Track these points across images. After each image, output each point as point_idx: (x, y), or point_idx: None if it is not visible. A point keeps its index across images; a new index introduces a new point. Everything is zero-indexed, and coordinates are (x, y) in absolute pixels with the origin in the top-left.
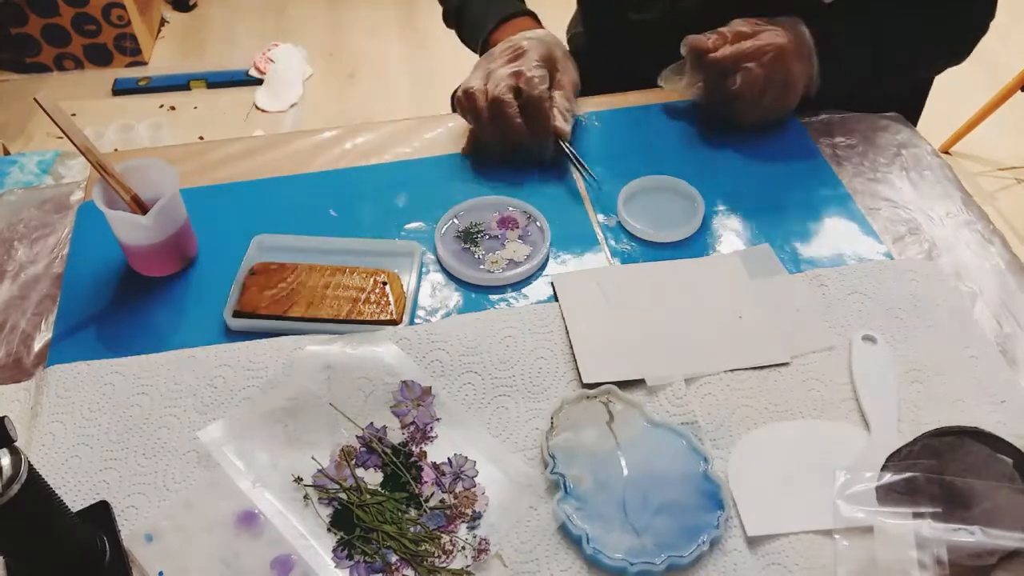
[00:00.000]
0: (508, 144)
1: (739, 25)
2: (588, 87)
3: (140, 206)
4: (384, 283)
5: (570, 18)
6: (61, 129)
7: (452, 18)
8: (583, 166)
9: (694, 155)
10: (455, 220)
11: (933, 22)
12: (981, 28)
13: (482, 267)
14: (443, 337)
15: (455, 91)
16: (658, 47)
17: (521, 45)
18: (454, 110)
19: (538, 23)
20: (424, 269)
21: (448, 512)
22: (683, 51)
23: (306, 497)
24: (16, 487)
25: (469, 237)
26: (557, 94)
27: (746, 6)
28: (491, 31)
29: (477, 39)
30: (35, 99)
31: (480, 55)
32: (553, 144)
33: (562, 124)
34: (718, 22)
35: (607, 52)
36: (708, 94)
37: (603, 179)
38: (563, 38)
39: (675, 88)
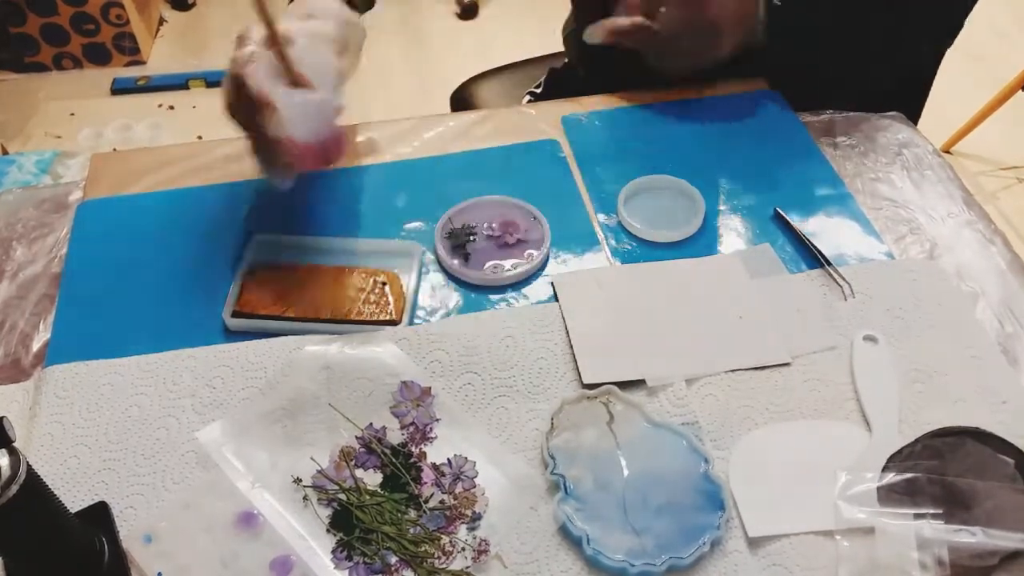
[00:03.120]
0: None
1: None
2: (587, 87)
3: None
4: (384, 283)
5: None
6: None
7: None
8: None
9: (694, 155)
10: (455, 220)
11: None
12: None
13: (482, 267)
14: (443, 337)
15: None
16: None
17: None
18: (454, 109)
19: None
20: (424, 269)
21: (448, 513)
22: None
23: (305, 498)
24: (15, 487)
25: (469, 237)
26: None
27: None
28: None
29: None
30: None
31: None
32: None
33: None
34: None
35: (600, 51)
36: (625, 37)
37: (603, 179)
38: (559, 37)
39: (595, 37)
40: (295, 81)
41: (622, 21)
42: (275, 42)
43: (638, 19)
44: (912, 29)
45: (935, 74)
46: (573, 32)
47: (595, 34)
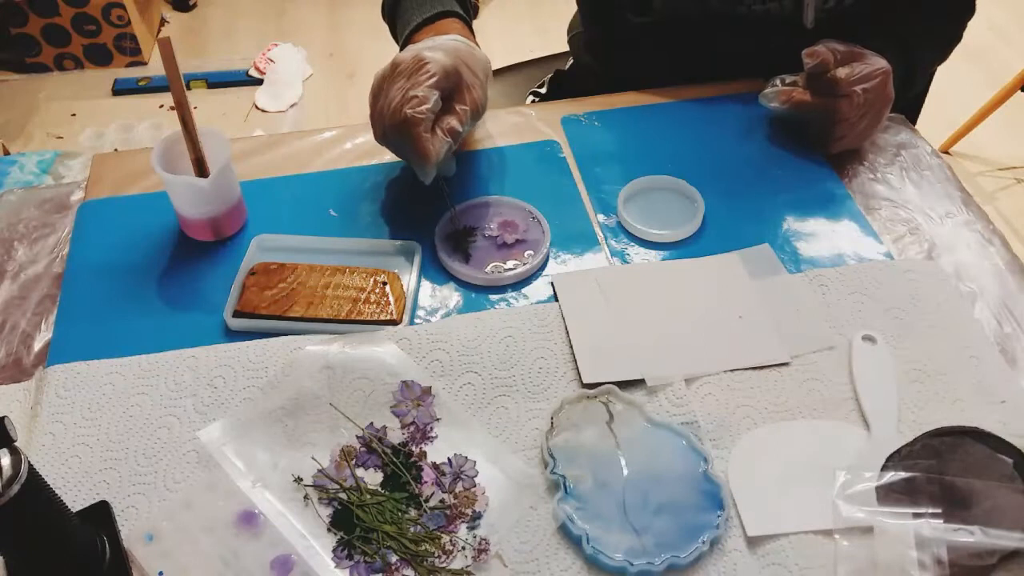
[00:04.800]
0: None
1: (837, 43)
2: (588, 87)
3: (202, 168)
4: (384, 283)
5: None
6: (169, 76)
7: (387, 12)
8: (448, 197)
9: (694, 155)
10: (455, 220)
11: (934, 19)
12: (969, 9)
13: (482, 267)
14: (443, 337)
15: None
16: (656, 51)
17: (423, 57)
18: None
19: (465, 26)
20: (424, 269)
21: (448, 512)
22: (806, 62)
23: (306, 497)
24: (16, 487)
25: (469, 237)
26: (447, 118)
27: (738, 18)
28: (413, 32)
29: (400, 35)
30: (157, 40)
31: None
32: (434, 170)
33: (432, 149)
34: (714, 30)
35: (606, 53)
36: (806, 108)
37: (603, 179)
38: (564, 38)
39: (772, 101)
40: (198, 159)
41: (801, 95)
42: (187, 123)
43: (812, 99)
44: (914, 36)
45: (933, 75)
46: (580, 34)
47: (772, 98)
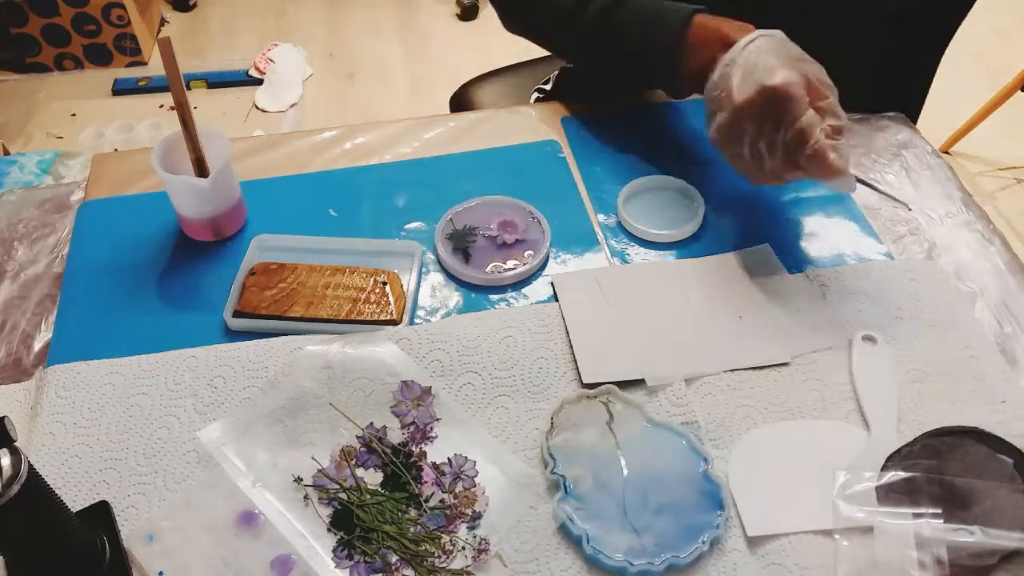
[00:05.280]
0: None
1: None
2: (591, 86)
3: (202, 168)
4: (384, 283)
5: None
6: (169, 76)
7: (595, 19)
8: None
9: (694, 155)
10: (455, 220)
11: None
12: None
13: (482, 267)
14: (443, 337)
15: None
16: None
17: (805, 72)
18: (452, 110)
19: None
20: (424, 269)
21: (448, 512)
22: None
23: (306, 497)
24: (16, 487)
25: (469, 237)
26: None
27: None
28: (684, 28)
29: (657, 39)
30: (157, 40)
31: (666, 57)
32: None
33: (844, 168)
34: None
35: None
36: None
37: (603, 179)
38: None
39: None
40: (198, 159)
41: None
42: (187, 123)
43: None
44: (908, 30)
45: (934, 74)
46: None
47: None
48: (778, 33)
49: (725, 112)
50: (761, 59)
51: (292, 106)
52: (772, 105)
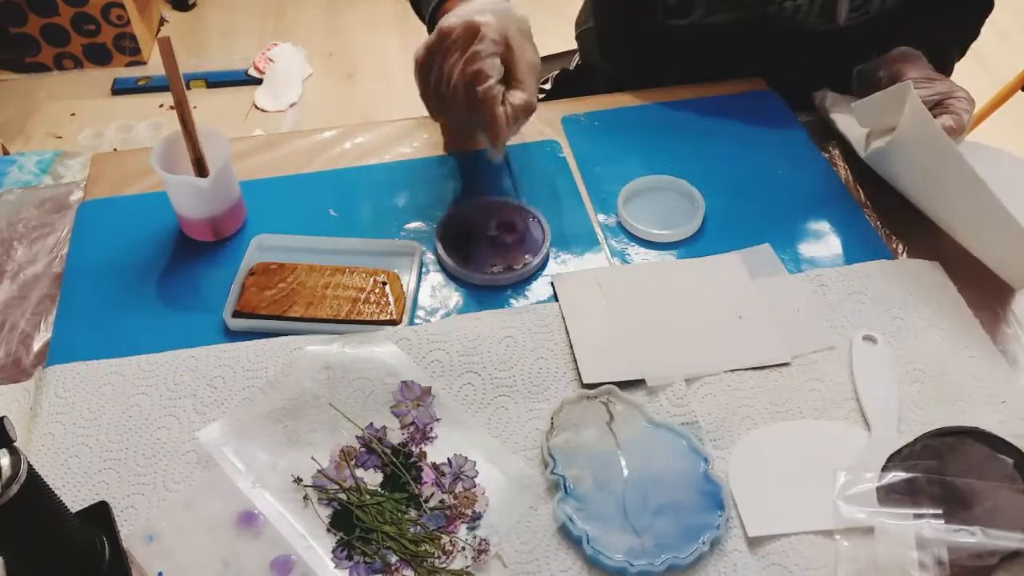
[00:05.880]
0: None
1: (923, 85)
2: (594, 87)
3: (202, 168)
4: (384, 283)
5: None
6: (169, 76)
7: None
8: (513, 182)
9: (694, 155)
10: (455, 220)
11: (959, 15)
12: (989, 4)
13: (482, 267)
14: (443, 337)
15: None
16: (688, 55)
17: (476, 23)
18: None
19: None
20: (424, 269)
21: (448, 512)
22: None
23: (306, 497)
24: (15, 487)
25: (469, 237)
26: (515, 93)
27: (776, 29)
28: (442, 1)
29: (426, 7)
30: (156, 40)
31: (428, 28)
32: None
33: (506, 128)
34: (747, 39)
35: (624, 54)
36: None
37: (603, 179)
38: (564, 37)
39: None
40: (198, 159)
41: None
42: (187, 123)
43: None
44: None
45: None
46: (589, 29)
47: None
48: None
49: (431, 37)
50: (476, 6)
51: (292, 106)
52: (466, 37)
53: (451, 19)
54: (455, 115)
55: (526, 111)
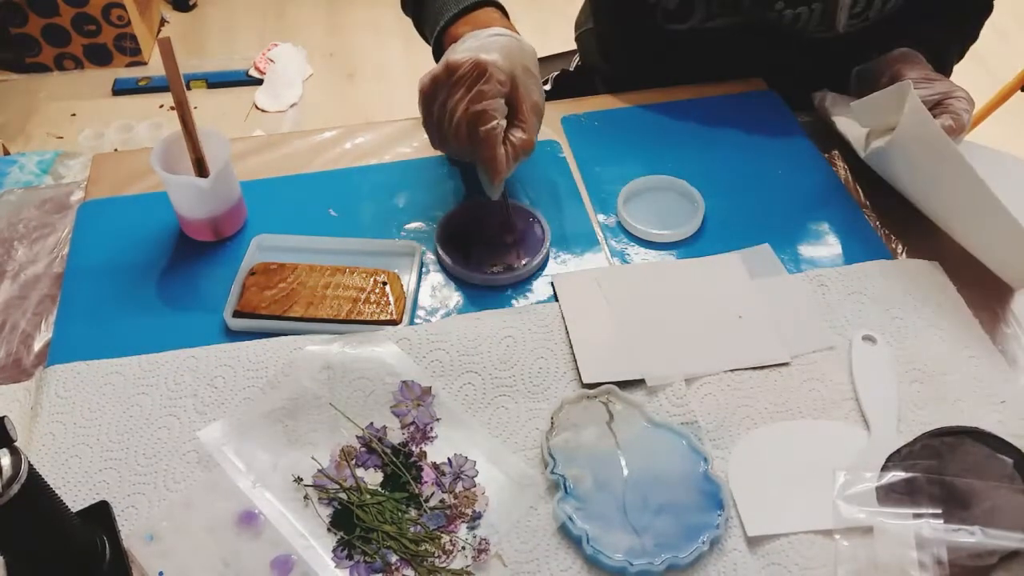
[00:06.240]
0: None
1: (922, 85)
2: (593, 88)
3: (202, 168)
4: (384, 283)
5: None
6: (169, 76)
7: (411, 4)
8: (508, 209)
9: (694, 155)
10: (455, 220)
11: (958, 19)
12: (988, 7)
13: (482, 267)
14: (443, 337)
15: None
16: (687, 58)
17: (483, 63)
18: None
19: (504, 16)
20: (424, 269)
21: (448, 512)
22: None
23: (306, 497)
24: (16, 487)
25: (469, 237)
26: (515, 132)
27: (775, 34)
28: (449, 24)
29: (431, 31)
30: (157, 40)
31: (433, 50)
32: (503, 185)
33: (505, 167)
34: (746, 43)
35: (624, 56)
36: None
37: (603, 179)
38: (564, 37)
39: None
40: (198, 159)
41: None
42: (187, 123)
43: None
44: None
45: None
46: (589, 31)
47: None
48: (517, 36)
49: (438, 68)
50: (485, 43)
51: (292, 106)
52: (472, 75)
53: (459, 54)
54: (456, 150)
55: (526, 150)
